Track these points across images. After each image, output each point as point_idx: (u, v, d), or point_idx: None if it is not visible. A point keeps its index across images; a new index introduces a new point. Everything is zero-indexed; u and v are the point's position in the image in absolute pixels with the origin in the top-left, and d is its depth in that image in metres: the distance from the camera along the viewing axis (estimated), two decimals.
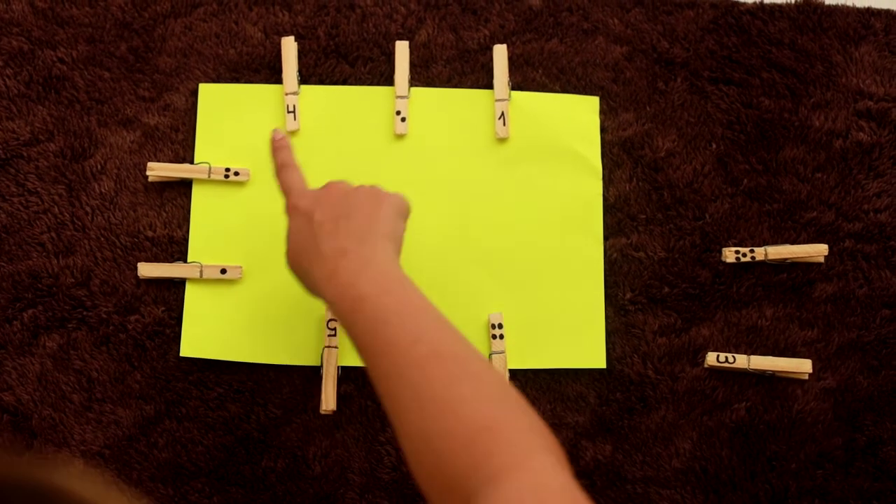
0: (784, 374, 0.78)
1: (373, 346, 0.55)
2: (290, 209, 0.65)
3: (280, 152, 0.68)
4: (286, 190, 0.66)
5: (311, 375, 0.77)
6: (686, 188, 0.81)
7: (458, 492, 0.48)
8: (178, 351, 0.76)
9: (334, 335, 0.76)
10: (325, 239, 0.61)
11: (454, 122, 0.81)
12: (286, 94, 0.80)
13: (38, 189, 0.79)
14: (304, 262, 0.62)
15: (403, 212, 0.65)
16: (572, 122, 0.81)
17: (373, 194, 0.64)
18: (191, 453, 0.75)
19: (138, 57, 0.81)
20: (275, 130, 0.70)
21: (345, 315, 0.58)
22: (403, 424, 0.53)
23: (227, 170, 0.79)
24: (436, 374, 0.52)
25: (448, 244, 0.79)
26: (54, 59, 0.81)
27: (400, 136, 0.81)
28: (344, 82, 0.82)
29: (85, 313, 0.77)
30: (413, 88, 0.82)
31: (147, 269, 0.77)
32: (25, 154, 0.79)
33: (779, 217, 0.81)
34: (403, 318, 0.55)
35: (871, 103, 0.83)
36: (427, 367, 0.53)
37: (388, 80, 0.82)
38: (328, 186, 0.65)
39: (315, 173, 0.80)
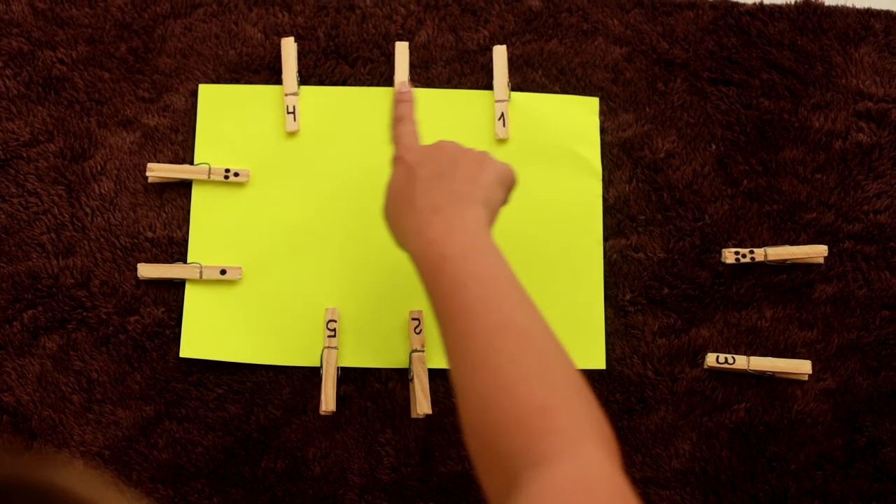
0: (784, 375, 0.78)
1: (448, 309, 0.55)
2: (396, 160, 0.65)
3: (400, 105, 0.69)
4: (396, 141, 0.67)
5: (310, 376, 0.77)
6: (686, 189, 0.81)
7: (506, 469, 0.48)
8: (178, 352, 0.76)
9: (334, 336, 0.76)
10: (421, 193, 0.61)
11: (454, 122, 0.81)
12: (286, 95, 0.80)
13: (38, 190, 0.79)
14: (398, 212, 0.63)
15: (507, 182, 0.64)
16: (572, 123, 0.81)
17: (479, 159, 0.64)
18: (190, 454, 0.75)
19: (138, 58, 0.81)
20: (402, 83, 0.71)
21: (425, 273, 0.58)
22: (464, 393, 0.53)
23: (227, 171, 0.79)
24: (502, 347, 0.52)
25: None
26: (54, 59, 0.81)
27: None
28: (344, 83, 0.82)
29: (85, 314, 0.77)
30: (413, 89, 0.81)
31: (147, 270, 0.77)
32: (25, 155, 0.79)
33: (778, 218, 0.81)
34: (481, 285, 0.55)
35: (870, 104, 0.83)
36: (495, 338, 0.52)
37: (387, 80, 0.82)
38: (438, 144, 0.66)
39: (315, 174, 0.80)
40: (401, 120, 0.68)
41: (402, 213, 0.62)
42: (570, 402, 0.50)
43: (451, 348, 0.55)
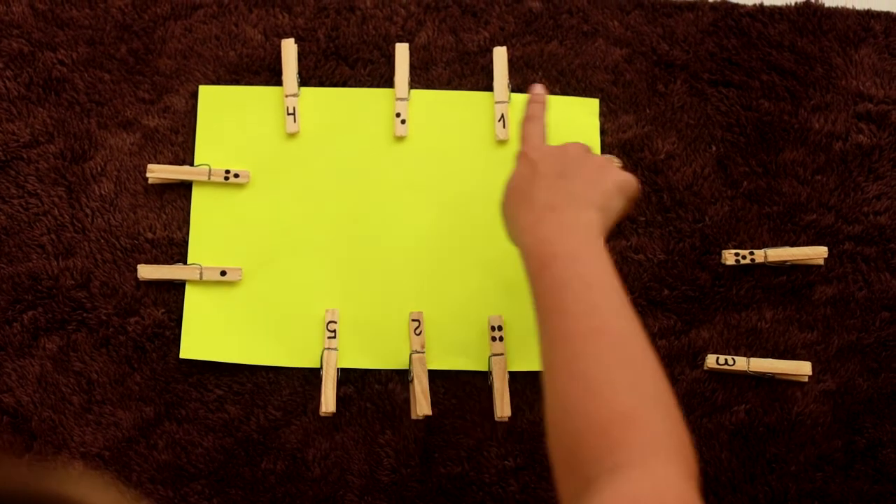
0: (784, 377, 0.78)
1: (547, 308, 0.56)
2: (521, 156, 0.66)
3: (533, 105, 0.70)
4: (524, 138, 0.68)
5: (310, 377, 0.77)
6: (686, 190, 0.81)
7: (581, 473, 0.48)
8: (178, 353, 0.76)
9: (334, 337, 0.77)
10: (540, 190, 0.62)
11: (454, 124, 0.81)
12: (286, 97, 0.80)
13: (38, 191, 0.79)
14: (515, 207, 0.64)
15: (627, 191, 0.65)
16: (572, 124, 0.81)
17: (601, 165, 0.65)
18: (190, 455, 0.75)
19: (138, 59, 0.81)
20: (536, 85, 0.72)
21: (533, 269, 0.59)
22: (551, 393, 0.53)
23: (227, 172, 0.79)
24: (594, 351, 0.52)
25: (448, 246, 0.79)
26: (54, 61, 0.81)
27: (400, 139, 0.81)
28: (344, 84, 0.82)
29: (85, 315, 0.77)
30: (413, 91, 0.82)
31: (147, 271, 0.77)
32: (25, 156, 0.79)
33: (778, 219, 0.80)
34: (584, 286, 0.56)
35: (870, 105, 0.83)
36: (589, 342, 0.53)
37: (387, 82, 0.82)
38: (564, 146, 0.67)
39: (315, 175, 0.80)
40: (531, 119, 0.69)
41: (519, 208, 0.63)
42: (654, 414, 0.51)
43: (545, 347, 0.56)
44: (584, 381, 0.51)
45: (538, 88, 0.72)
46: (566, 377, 0.52)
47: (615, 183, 0.64)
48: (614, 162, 0.66)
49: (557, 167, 0.64)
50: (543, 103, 0.71)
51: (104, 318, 0.77)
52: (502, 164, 0.80)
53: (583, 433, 0.50)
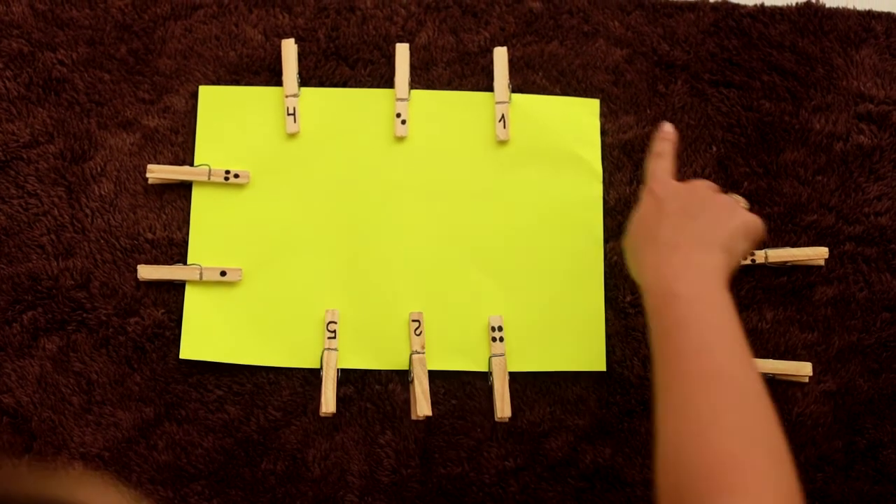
0: (784, 377, 0.78)
1: (665, 347, 0.57)
2: (647, 192, 0.67)
3: (661, 142, 0.70)
4: (651, 174, 0.68)
5: (310, 378, 0.77)
6: None
7: None
8: (178, 353, 0.76)
9: (334, 337, 0.76)
10: (665, 228, 0.62)
11: (454, 124, 0.81)
12: (286, 97, 0.80)
13: (38, 191, 0.79)
14: (639, 242, 0.64)
15: (752, 234, 0.65)
16: (573, 124, 0.81)
17: (729, 206, 0.65)
18: (190, 456, 0.75)
19: (138, 59, 0.81)
20: (666, 123, 0.71)
21: (654, 307, 0.59)
22: (663, 432, 0.54)
23: (227, 172, 0.79)
24: (708, 394, 0.53)
25: (448, 247, 0.79)
26: (54, 61, 0.81)
27: (400, 139, 0.81)
28: (344, 85, 0.82)
29: (85, 315, 0.77)
30: (413, 91, 0.82)
31: (147, 272, 0.77)
32: (25, 156, 0.79)
33: (779, 220, 0.80)
34: (704, 329, 0.56)
35: (871, 106, 0.82)
36: (702, 384, 0.53)
37: (388, 82, 0.82)
38: (691, 183, 0.67)
39: (315, 176, 0.80)
40: (658, 156, 0.69)
41: (643, 244, 0.63)
42: (762, 461, 0.51)
43: (659, 385, 0.56)
44: (696, 424, 0.52)
45: (667, 126, 0.71)
46: (678, 418, 0.53)
47: (741, 224, 0.64)
48: (740, 203, 0.67)
49: (684, 205, 0.64)
50: (672, 141, 0.70)
51: (104, 318, 0.77)
52: (502, 165, 0.81)
53: (691, 474, 0.50)
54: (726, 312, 0.58)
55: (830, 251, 0.79)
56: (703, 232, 0.62)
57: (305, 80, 0.82)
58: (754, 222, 0.65)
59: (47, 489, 0.32)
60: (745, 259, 0.64)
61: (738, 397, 0.53)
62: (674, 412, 0.54)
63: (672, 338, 0.56)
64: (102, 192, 0.79)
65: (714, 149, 0.82)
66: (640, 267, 0.63)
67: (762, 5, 0.85)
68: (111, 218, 0.78)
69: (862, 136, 0.82)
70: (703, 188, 0.67)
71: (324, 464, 0.75)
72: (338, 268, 0.78)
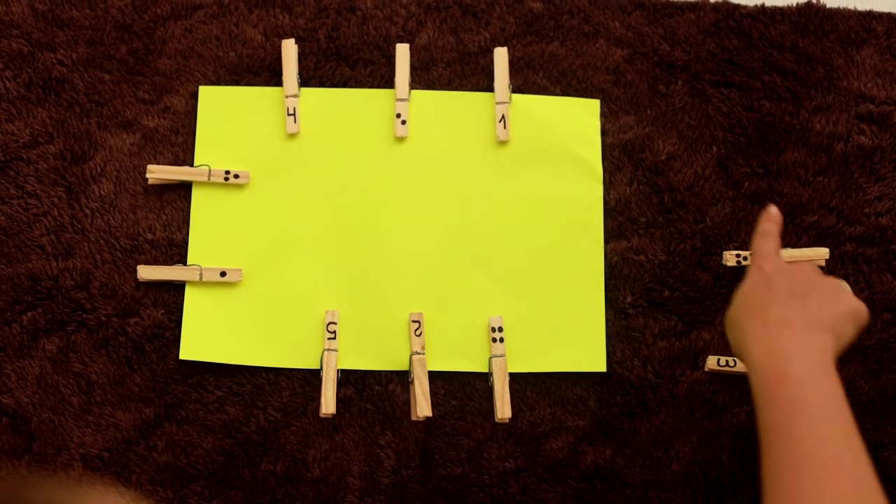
0: None
1: (776, 430, 0.57)
2: (756, 269, 0.67)
3: (766, 223, 0.70)
4: (758, 252, 0.68)
5: (310, 378, 0.76)
6: (687, 191, 0.81)
7: None
8: (178, 354, 0.76)
9: (334, 338, 0.76)
10: (774, 306, 0.63)
11: (454, 125, 0.81)
12: (286, 97, 0.80)
13: (38, 191, 0.78)
14: (745, 317, 0.64)
15: (859, 320, 0.65)
16: (573, 124, 0.81)
17: (836, 288, 0.66)
18: (190, 456, 0.75)
19: (138, 59, 0.81)
20: (772, 205, 0.71)
21: (763, 386, 0.59)
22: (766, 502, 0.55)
23: (227, 172, 0.79)
24: (818, 484, 0.53)
25: (448, 247, 0.79)
26: (54, 61, 0.81)
27: (400, 139, 0.81)
28: (344, 85, 0.82)
29: (84, 316, 0.77)
30: (413, 91, 0.81)
31: (147, 272, 0.77)
32: (25, 156, 0.79)
33: None
34: (816, 414, 0.56)
35: (872, 107, 0.82)
36: (814, 474, 0.54)
37: (388, 82, 0.82)
38: (798, 264, 0.69)
39: (315, 176, 0.80)
40: (764, 235, 0.69)
41: (749, 319, 0.63)
42: None
43: (769, 468, 0.56)
44: None
45: (773, 209, 0.71)
46: (783, 499, 0.54)
47: (848, 308, 0.64)
48: (845, 287, 0.67)
49: (792, 284, 0.64)
50: (778, 223, 0.70)
51: (104, 318, 0.77)
52: (503, 165, 0.81)
53: None
54: (837, 397, 0.58)
55: (831, 252, 0.79)
56: (813, 312, 0.62)
57: (305, 80, 0.82)
58: (861, 308, 0.65)
59: (51, 496, 0.32)
60: (850, 342, 0.65)
61: (851, 488, 0.54)
62: (781, 492, 0.54)
63: (784, 422, 0.56)
64: (102, 193, 0.79)
65: (714, 149, 0.82)
66: (744, 343, 0.63)
67: (763, 5, 0.85)
68: (111, 218, 0.78)
69: (863, 137, 0.82)
70: (810, 270, 0.68)
71: (324, 465, 0.75)
72: (338, 268, 0.78)
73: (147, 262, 0.78)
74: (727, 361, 0.77)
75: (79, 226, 0.78)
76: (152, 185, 0.79)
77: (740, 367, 0.77)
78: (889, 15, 0.85)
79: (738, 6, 0.85)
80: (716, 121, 0.82)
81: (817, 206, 0.81)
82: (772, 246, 0.69)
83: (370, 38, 0.83)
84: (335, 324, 0.77)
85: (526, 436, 0.76)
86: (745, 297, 0.66)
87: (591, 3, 0.84)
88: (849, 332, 0.64)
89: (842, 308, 0.64)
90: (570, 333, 0.78)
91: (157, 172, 0.79)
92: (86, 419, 0.75)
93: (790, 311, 0.62)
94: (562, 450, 0.76)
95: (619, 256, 0.79)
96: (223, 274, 0.77)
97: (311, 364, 0.76)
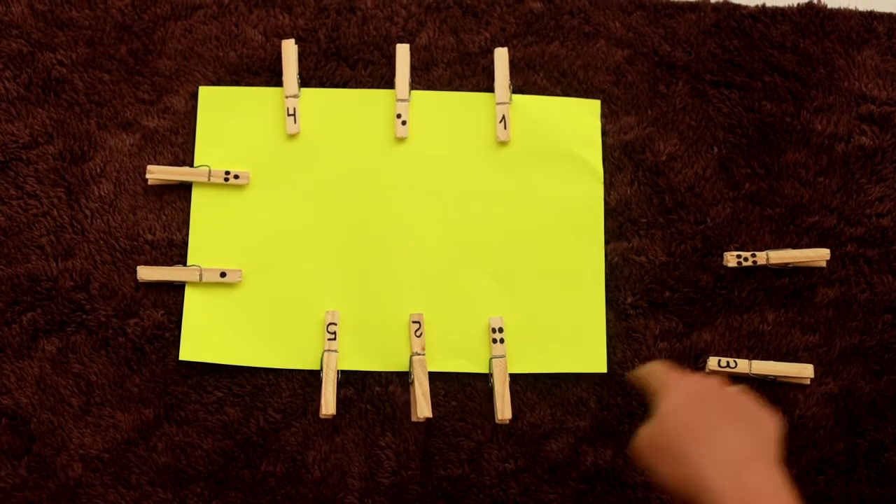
0: (785, 379, 0.77)
1: None
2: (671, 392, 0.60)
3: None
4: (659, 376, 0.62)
5: (310, 379, 0.76)
6: (687, 192, 0.80)
7: None
8: (178, 354, 0.76)
9: (334, 339, 0.76)
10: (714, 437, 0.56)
11: (455, 125, 0.81)
12: (286, 97, 0.80)
13: (38, 192, 0.78)
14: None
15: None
16: (573, 125, 0.81)
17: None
18: (190, 457, 0.75)
19: (138, 59, 0.81)
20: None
21: None
22: None
23: (227, 173, 0.79)
24: None
25: (448, 247, 0.79)
26: (54, 61, 0.81)
27: (400, 140, 0.81)
28: (344, 85, 0.82)
29: (84, 317, 0.76)
30: (413, 91, 0.81)
31: (146, 273, 0.77)
32: (24, 157, 0.79)
33: (780, 221, 0.80)
34: None
35: (873, 107, 0.82)
36: None
37: (388, 83, 0.82)
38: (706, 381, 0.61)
39: (315, 176, 0.80)
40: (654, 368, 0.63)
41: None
42: None
43: None
44: None
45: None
46: None
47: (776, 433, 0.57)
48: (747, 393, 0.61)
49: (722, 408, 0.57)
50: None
51: (103, 319, 0.76)
52: (503, 166, 0.81)
53: None
54: None
55: (832, 252, 0.79)
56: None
57: (306, 80, 0.82)
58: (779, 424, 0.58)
59: None
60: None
61: None
62: None
63: None
64: (102, 193, 0.79)
65: (715, 150, 0.82)
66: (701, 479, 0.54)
67: (763, 6, 0.85)
68: (111, 219, 0.78)
69: (864, 138, 0.82)
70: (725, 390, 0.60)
71: (324, 466, 0.75)
72: (338, 269, 0.78)
73: (147, 263, 0.78)
74: (728, 362, 0.77)
75: (78, 226, 0.78)
76: (152, 186, 0.79)
77: (742, 367, 0.76)
78: (890, 15, 0.85)
79: (738, 6, 0.84)
80: (716, 121, 0.82)
81: (818, 207, 0.81)
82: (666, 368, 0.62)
83: (370, 39, 0.83)
84: (335, 324, 0.77)
85: (526, 437, 0.76)
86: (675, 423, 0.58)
87: (591, 4, 0.84)
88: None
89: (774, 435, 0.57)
90: (570, 334, 0.78)
91: (157, 173, 0.78)
92: (85, 420, 0.75)
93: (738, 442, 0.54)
94: (562, 451, 0.76)
95: (620, 257, 0.79)
96: (223, 275, 0.77)
97: (311, 365, 0.76)
